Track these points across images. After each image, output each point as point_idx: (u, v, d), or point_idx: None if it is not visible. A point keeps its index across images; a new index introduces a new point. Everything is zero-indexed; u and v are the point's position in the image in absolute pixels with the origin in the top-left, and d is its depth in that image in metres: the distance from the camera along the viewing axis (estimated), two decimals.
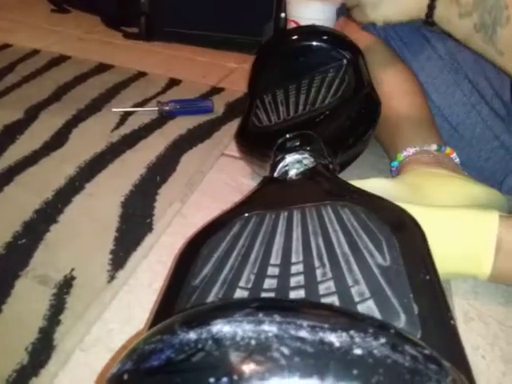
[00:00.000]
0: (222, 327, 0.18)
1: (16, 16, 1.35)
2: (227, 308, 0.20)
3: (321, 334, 0.17)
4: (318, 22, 0.78)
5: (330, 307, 0.23)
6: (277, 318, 0.18)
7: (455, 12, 0.49)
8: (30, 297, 0.43)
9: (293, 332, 0.17)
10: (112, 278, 0.46)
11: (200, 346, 0.18)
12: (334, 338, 0.17)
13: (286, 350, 0.17)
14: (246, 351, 0.17)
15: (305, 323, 0.18)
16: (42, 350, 0.38)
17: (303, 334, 0.17)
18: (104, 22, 1.33)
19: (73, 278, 0.45)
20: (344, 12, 0.75)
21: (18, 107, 0.78)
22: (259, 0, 1.15)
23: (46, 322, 0.41)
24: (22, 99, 0.82)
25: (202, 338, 0.18)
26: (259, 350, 0.17)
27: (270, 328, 0.18)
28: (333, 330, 0.17)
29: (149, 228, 0.53)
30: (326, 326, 0.18)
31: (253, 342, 0.17)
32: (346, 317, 0.19)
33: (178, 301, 0.32)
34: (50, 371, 0.37)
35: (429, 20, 0.52)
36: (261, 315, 0.18)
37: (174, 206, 0.57)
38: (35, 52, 1.05)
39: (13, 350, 0.39)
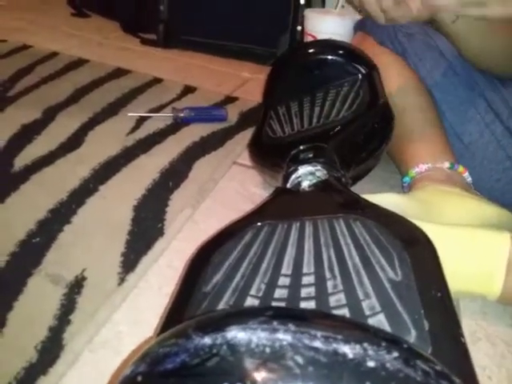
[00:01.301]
0: (236, 333, 0.19)
1: (36, 18, 1.38)
2: (242, 315, 0.21)
3: (334, 345, 0.18)
4: (334, 37, 0.79)
5: (343, 319, 0.23)
6: (291, 327, 0.19)
7: None
8: (42, 295, 0.44)
9: (307, 342, 0.18)
10: (122, 280, 0.46)
11: (215, 351, 0.18)
12: (348, 350, 0.17)
13: (300, 359, 0.17)
14: (261, 358, 0.17)
15: (319, 333, 0.18)
16: (51, 349, 0.39)
17: (317, 344, 0.18)
18: (122, 27, 1.35)
19: (84, 279, 0.46)
20: (361, 27, 0.76)
21: (36, 108, 0.80)
22: (276, 12, 1.16)
23: (57, 322, 0.41)
24: (40, 100, 0.83)
25: (217, 343, 0.18)
26: (273, 357, 0.17)
27: (284, 337, 0.18)
28: (346, 341, 0.18)
29: (160, 232, 0.54)
30: (340, 337, 0.18)
31: (267, 349, 0.18)
32: (359, 329, 0.19)
33: (189, 306, 0.33)
34: (58, 370, 0.37)
35: None
36: (275, 323, 0.19)
37: (186, 212, 0.58)
38: (54, 54, 1.07)
39: (22, 348, 0.39)
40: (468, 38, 0.55)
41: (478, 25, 0.53)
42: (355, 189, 0.50)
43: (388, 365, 0.17)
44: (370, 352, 0.17)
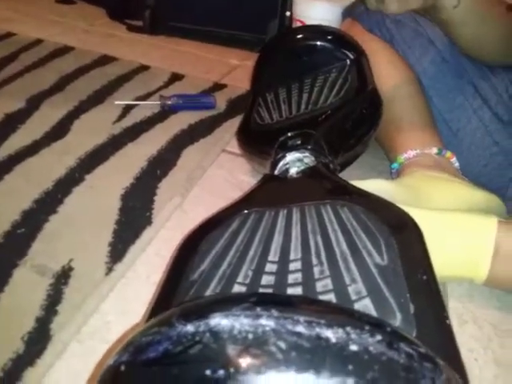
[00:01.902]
0: (219, 320, 0.18)
1: (20, 5, 1.35)
2: (225, 302, 0.20)
3: (317, 330, 0.17)
4: (323, 23, 0.78)
5: (326, 304, 0.23)
6: (274, 312, 0.18)
7: None
8: (28, 286, 0.44)
9: (290, 327, 0.18)
10: (110, 270, 0.46)
11: (197, 338, 0.18)
12: (331, 334, 0.17)
13: (282, 345, 0.17)
14: (243, 345, 0.17)
15: (302, 318, 0.18)
16: (38, 340, 0.39)
17: (300, 329, 0.18)
18: (108, 14, 1.33)
19: (71, 269, 0.46)
20: (349, 13, 0.75)
21: (19, 96, 0.78)
22: None
23: (43, 312, 0.41)
24: (24, 88, 0.82)
25: (200, 330, 0.18)
26: (256, 343, 0.17)
27: (267, 322, 0.18)
28: (329, 325, 0.18)
29: (148, 221, 0.53)
30: (323, 321, 0.18)
31: (250, 335, 0.18)
32: (342, 313, 0.19)
33: (176, 294, 0.32)
34: (45, 361, 0.37)
35: None
36: (258, 310, 0.19)
37: (174, 201, 0.57)
38: (38, 42, 1.05)
39: (9, 339, 0.39)
40: (464, 25, 0.55)
41: (476, 11, 0.53)
42: (343, 175, 0.50)
43: (371, 348, 0.17)
44: (353, 336, 0.17)
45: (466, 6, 0.51)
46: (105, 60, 0.99)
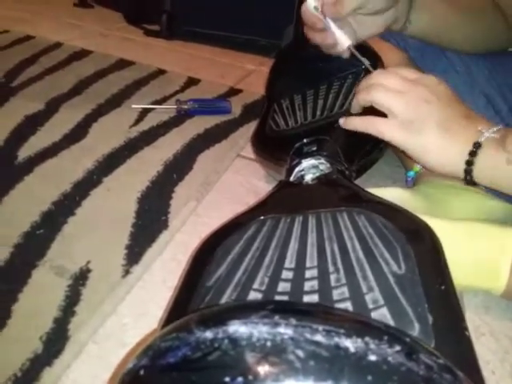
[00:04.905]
0: (238, 328, 0.19)
1: (39, 8, 1.38)
2: (244, 309, 0.21)
3: (336, 339, 0.18)
4: None
5: (345, 313, 0.23)
6: (293, 321, 0.18)
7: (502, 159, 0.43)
8: (46, 287, 0.44)
9: (308, 335, 0.18)
10: (127, 272, 0.46)
11: (216, 345, 0.18)
12: (349, 344, 0.17)
13: (301, 353, 0.17)
14: (262, 352, 0.17)
15: (320, 327, 0.18)
16: (56, 340, 0.39)
17: (319, 338, 0.18)
18: (126, 18, 1.35)
19: (89, 271, 0.46)
20: None
21: (39, 99, 0.80)
22: (280, 4, 1.15)
23: (61, 313, 0.41)
24: (43, 91, 0.83)
25: (219, 337, 0.19)
26: (274, 351, 0.17)
27: (285, 331, 0.18)
28: (348, 335, 0.18)
29: (164, 225, 0.54)
30: (342, 331, 0.18)
31: (268, 343, 0.18)
32: (361, 323, 0.19)
33: (192, 300, 0.33)
34: (63, 361, 0.38)
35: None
36: (277, 318, 0.19)
37: (190, 205, 0.58)
38: (58, 45, 1.07)
39: (27, 339, 0.39)
40: (430, 35, 0.61)
41: (433, 23, 0.59)
42: (358, 183, 0.50)
43: (390, 358, 0.17)
44: (372, 346, 0.17)
45: (416, 26, 0.55)
46: (122, 64, 1.01)
